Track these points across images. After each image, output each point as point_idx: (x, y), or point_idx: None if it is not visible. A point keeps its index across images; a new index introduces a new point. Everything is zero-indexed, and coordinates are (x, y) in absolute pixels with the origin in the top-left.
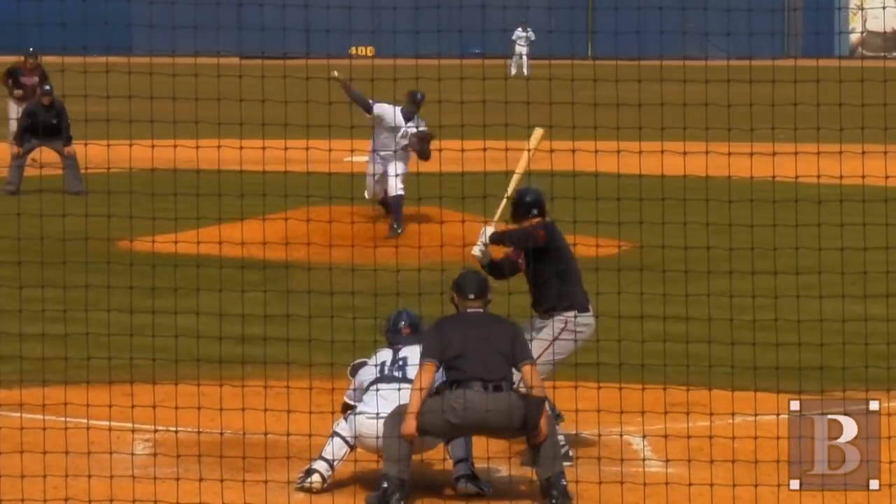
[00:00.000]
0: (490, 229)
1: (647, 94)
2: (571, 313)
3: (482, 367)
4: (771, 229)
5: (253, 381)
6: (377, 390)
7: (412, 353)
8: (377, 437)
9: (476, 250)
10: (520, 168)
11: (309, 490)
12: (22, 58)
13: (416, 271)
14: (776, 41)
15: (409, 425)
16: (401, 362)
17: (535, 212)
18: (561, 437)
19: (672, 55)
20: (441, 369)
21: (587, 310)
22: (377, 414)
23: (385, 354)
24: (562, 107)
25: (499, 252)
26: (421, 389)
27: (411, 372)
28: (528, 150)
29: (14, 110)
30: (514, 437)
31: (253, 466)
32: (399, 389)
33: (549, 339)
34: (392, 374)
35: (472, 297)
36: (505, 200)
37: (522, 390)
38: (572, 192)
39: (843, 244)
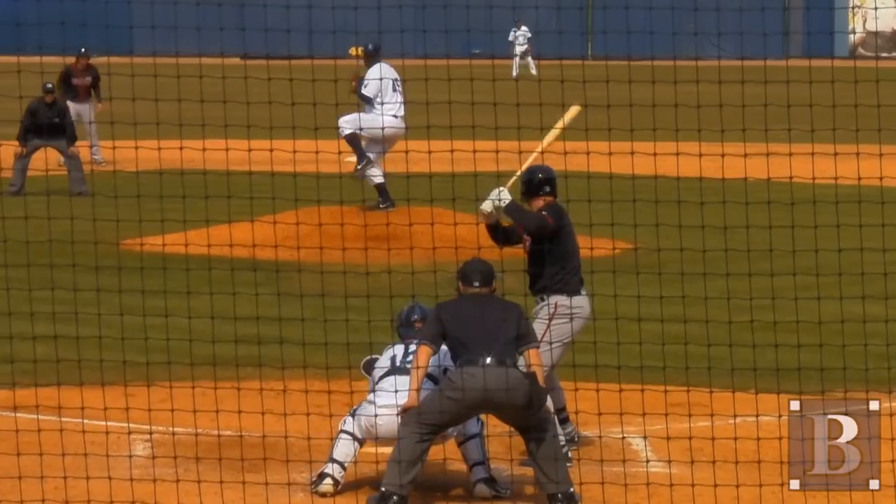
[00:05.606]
0: (506, 194)
1: (650, 94)
2: (562, 297)
3: (486, 346)
4: (766, 230)
5: (248, 382)
6: (380, 382)
7: None
8: (377, 426)
9: (487, 205)
10: (545, 143)
11: (323, 495)
12: (74, 58)
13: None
14: (776, 41)
15: (411, 399)
16: (412, 356)
17: (547, 189)
18: (561, 437)
19: (664, 55)
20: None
21: (579, 293)
22: (374, 406)
23: (397, 349)
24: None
25: (505, 220)
26: (418, 368)
27: None
28: (561, 127)
29: (73, 112)
30: (522, 419)
31: (252, 467)
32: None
33: (546, 320)
34: (404, 367)
35: (476, 284)
36: (518, 174)
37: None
38: (565, 194)
39: (840, 245)
